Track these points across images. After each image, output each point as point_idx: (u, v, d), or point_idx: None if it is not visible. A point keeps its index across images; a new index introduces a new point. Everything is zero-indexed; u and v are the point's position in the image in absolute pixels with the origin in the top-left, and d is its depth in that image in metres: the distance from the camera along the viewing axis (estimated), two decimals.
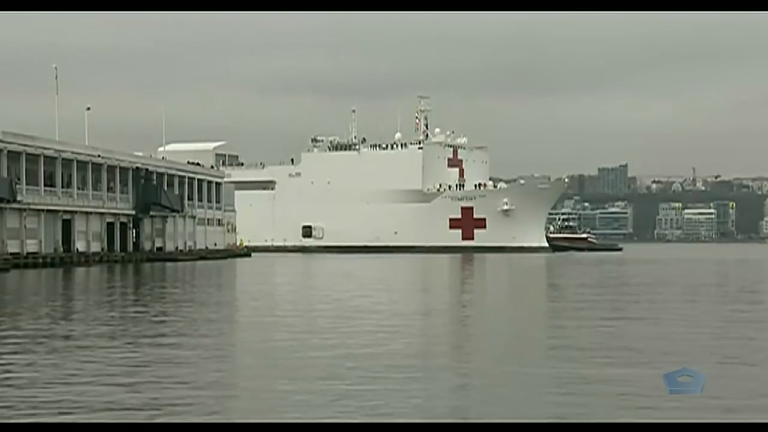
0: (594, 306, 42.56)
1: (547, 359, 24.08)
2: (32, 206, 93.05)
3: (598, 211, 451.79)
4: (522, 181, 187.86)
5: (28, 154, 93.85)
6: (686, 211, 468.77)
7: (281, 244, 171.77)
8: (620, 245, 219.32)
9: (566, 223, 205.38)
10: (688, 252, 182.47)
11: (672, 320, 34.74)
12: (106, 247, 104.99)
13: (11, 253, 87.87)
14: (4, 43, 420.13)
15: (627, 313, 38.40)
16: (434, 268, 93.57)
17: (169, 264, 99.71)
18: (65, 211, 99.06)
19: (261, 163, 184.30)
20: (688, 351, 25.15)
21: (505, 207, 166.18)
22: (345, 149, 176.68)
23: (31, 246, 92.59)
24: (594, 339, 28.46)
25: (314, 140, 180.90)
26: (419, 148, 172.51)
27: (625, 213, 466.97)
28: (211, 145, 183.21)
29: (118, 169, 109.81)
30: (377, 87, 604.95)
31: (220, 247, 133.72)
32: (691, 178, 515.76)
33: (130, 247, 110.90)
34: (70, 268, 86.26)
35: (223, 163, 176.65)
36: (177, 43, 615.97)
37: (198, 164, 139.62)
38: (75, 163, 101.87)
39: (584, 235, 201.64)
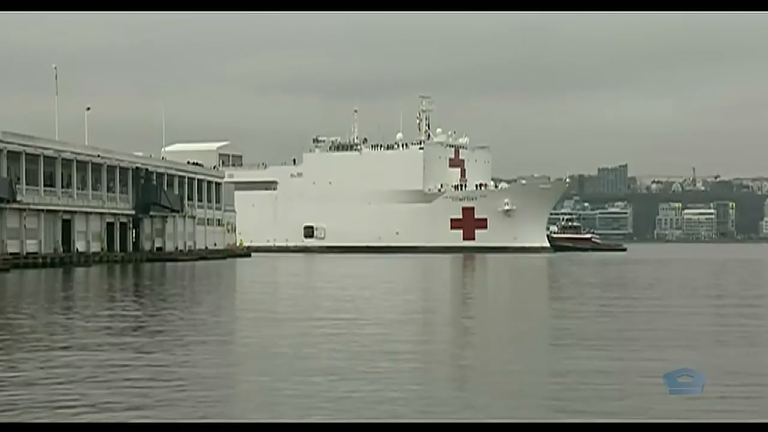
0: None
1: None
2: (32, 206, 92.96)
3: (597, 211, 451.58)
4: (523, 182, 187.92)
5: (28, 154, 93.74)
6: (686, 211, 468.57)
7: (283, 244, 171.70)
8: (624, 245, 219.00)
9: (570, 223, 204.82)
10: (692, 252, 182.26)
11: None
12: (105, 247, 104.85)
13: (11, 253, 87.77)
14: (4, 43, 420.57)
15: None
16: (437, 268, 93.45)
17: (169, 264, 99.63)
18: (65, 211, 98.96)
19: (263, 164, 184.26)
20: None
21: (506, 207, 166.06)
22: (346, 149, 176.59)
23: (31, 246, 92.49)
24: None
25: (316, 140, 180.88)
26: (420, 149, 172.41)
27: (625, 213, 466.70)
28: (214, 146, 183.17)
29: (118, 169, 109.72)
30: (379, 87, 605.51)
31: (220, 247, 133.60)
32: (691, 178, 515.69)
33: (130, 247, 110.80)
34: (69, 269, 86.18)
35: (224, 163, 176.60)
36: (177, 43, 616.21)
37: (197, 164, 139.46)
38: (75, 163, 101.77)
39: (588, 236, 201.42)
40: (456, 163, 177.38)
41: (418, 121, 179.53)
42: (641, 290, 55.39)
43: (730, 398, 18.05)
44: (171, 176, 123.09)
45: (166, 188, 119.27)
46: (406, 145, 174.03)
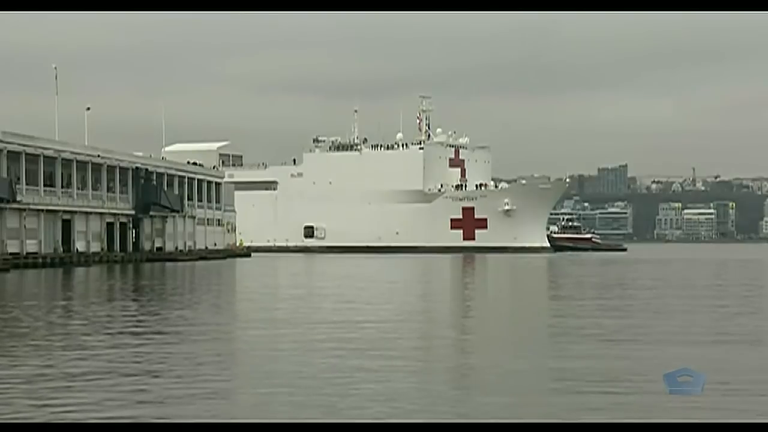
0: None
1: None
2: (32, 206, 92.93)
3: (597, 211, 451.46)
4: (523, 182, 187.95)
5: (27, 154, 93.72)
6: (686, 211, 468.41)
7: (283, 244, 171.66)
8: (624, 245, 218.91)
9: (570, 223, 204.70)
10: (693, 252, 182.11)
11: None
12: (105, 247, 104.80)
13: (11, 253, 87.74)
14: (4, 43, 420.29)
15: None
16: (437, 269, 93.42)
17: (168, 264, 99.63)
18: (65, 211, 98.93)
19: (263, 164, 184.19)
20: None
21: (506, 207, 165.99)
22: (346, 149, 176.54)
23: (31, 246, 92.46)
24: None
25: (316, 140, 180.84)
26: (420, 149, 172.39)
27: (625, 213, 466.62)
28: (214, 145, 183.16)
29: (117, 169, 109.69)
30: (379, 87, 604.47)
31: (220, 247, 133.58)
32: (691, 178, 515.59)
33: (130, 247, 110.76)
34: (69, 269, 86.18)
35: (224, 163, 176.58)
36: (177, 43, 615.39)
37: (196, 164, 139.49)
38: (75, 163, 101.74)
39: (588, 236, 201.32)
40: (456, 163, 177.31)
41: (418, 121, 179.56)
42: (642, 290, 55.39)
43: (731, 397, 18.05)
44: (171, 176, 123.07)
45: (166, 188, 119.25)
46: (406, 145, 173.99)
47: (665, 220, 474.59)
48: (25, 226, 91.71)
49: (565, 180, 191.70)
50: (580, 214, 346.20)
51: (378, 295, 50.47)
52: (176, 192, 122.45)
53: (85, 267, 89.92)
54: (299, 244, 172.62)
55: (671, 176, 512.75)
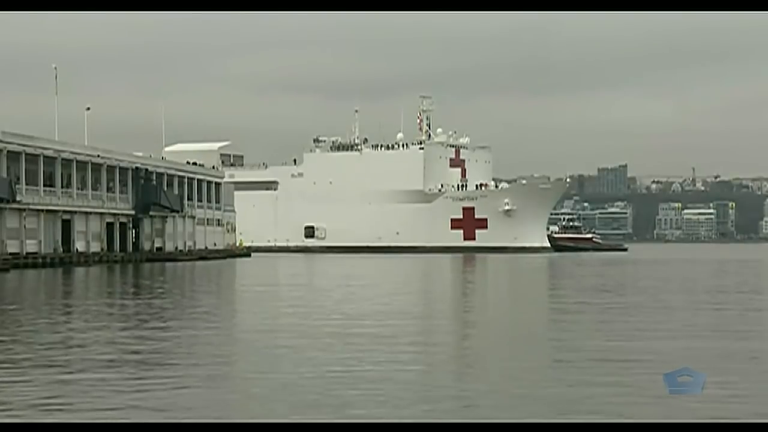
0: None
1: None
2: (32, 206, 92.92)
3: (597, 211, 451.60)
4: (523, 182, 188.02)
5: (27, 154, 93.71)
6: (686, 211, 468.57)
7: (284, 244, 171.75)
8: (625, 245, 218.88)
9: (571, 223, 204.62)
10: (693, 252, 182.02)
11: None
12: (105, 248, 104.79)
13: (11, 253, 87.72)
14: (4, 43, 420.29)
15: None
16: (437, 268, 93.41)
17: (168, 264, 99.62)
18: (65, 211, 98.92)
19: (263, 164, 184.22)
20: None
21: (507, 207, 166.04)
22: (347, 149, 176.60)
23: (31, 246, 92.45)
24: None
25: (316, 140, 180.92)
26: (421, 149, 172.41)
27: (625, 213, 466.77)
28: (215, 146, 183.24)
29: (117, 169, 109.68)
30: (379, 87, 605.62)
31: (220, 247, 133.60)
32: (691, 178, 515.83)
33: (130, 248, 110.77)
34: (69, 269, 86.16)
35: (224, 164, 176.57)
36: (177, 43, 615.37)
37: (196, 164, 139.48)
38: (74, 163, 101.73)
39: (589, 235, 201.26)
40: (456, 163, 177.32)
41: (418, 121, 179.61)
42: (645, 289, 55.35)
43: (732, 397, 18.03)
44: (171, 176, 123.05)
45: (165, 188, 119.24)
46: (407, 145, 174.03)
47: (665, 220, 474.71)
48: (25, 226, 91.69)
49: (565, 180, 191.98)
50: (580, 214, 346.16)
51: (378, 294, 50.40)
52: (176, 192, 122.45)
53: (85, 267, 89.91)
54: (299, 244, 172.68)
55: (671, 176, 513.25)
